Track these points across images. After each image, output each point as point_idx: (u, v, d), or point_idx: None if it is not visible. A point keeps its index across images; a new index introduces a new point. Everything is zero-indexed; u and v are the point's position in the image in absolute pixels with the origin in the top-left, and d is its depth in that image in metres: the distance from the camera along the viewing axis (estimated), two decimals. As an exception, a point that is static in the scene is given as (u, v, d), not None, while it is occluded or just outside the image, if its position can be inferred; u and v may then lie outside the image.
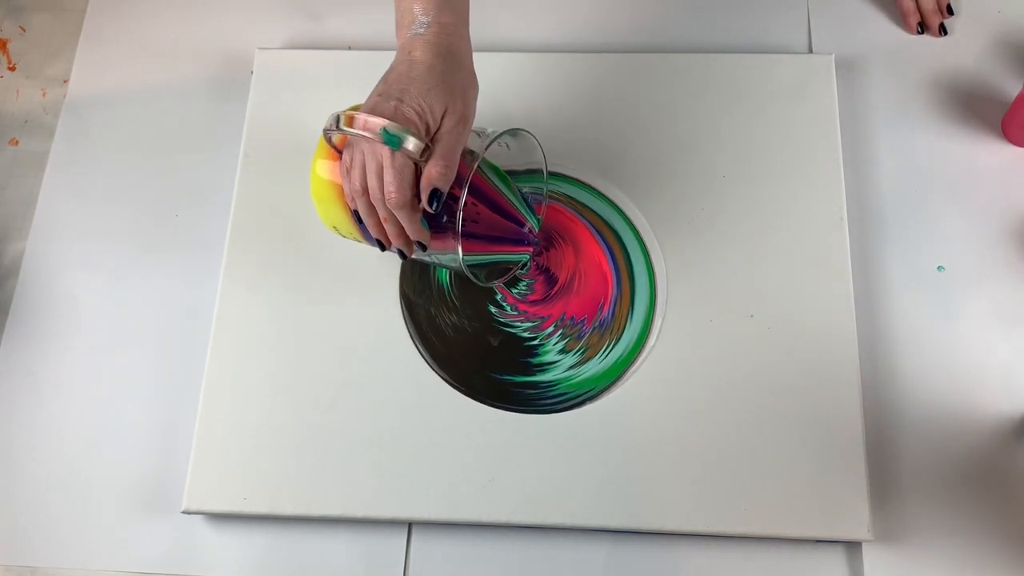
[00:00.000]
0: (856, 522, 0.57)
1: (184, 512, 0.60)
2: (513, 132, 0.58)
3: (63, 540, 0.61)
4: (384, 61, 0.70)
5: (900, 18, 0.73)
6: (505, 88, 0.70)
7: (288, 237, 0.66)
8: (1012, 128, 0.67)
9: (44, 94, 0.75)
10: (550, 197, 0.67)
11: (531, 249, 0.64)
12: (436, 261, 0.59)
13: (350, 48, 0.74)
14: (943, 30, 0.72)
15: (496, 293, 0.65)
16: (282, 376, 0.62)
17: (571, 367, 0.62)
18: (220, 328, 0.64)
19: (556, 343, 0.63)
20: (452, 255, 0.56)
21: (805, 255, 0.64)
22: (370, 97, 0.53)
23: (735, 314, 0.62)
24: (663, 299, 0.64)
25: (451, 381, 0.62)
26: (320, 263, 0.65)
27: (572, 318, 0.64)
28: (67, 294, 0.68)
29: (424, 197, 0.52)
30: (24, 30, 0.78)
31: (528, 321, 0.64)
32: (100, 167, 0.71)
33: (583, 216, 0.67)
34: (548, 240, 0.66)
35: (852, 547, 0.58)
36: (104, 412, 0.64)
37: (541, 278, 0.65)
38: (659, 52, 0.71)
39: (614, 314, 0.64)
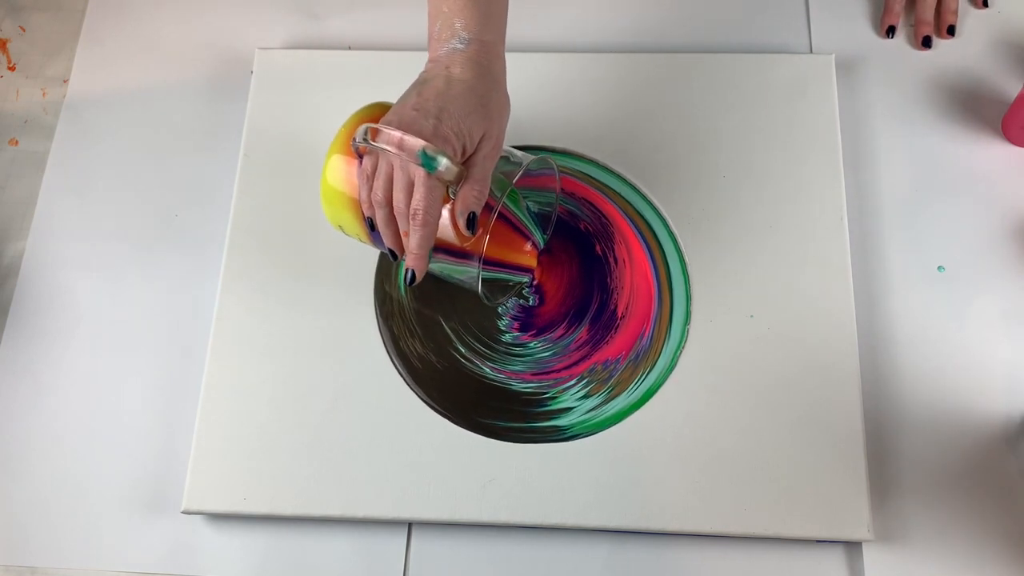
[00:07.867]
0: (856, 522, 0.57)
1: (184, 512, 0.60)
2: (539, 161, 0.56)
3: (63, 540, 0.61)
4: (384, 61, 0.71)
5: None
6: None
7: (288, 237, 0.66)
8: (1012, 128, 0.67)
9: (44, 94, 0.75)
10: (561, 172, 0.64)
11: (535, 269, 0.61)
12: (445, 273, 0.57)
13: (350, 48, 0.74)
14: (927, 44, 0.71)
15: (456, 341, 0.60)
16: (282, 376, 0.62)
17: (592, 409, 0.59)
18: (220, 328, 0.64)
19: (577, 392, 0.59)
20: (464, 268, 0.54)
21: (805, 255, 0.64)
22: (403, 106, 0.50)
23: (735, 314, 0.62)
24: (697, 308, 0.60)
25: (436, 408, 0.60)
26: (320, 262, 0.65)
27: (607, 361, 0.59)
28: (67, 294, 0.68)
29: (462, 222, 0.50)
30: (24, 30, 0.78)
31: (527, 383, 0.59)
32: (100, 167, 0.71)
33: (616, 203, 0.63)
34: (607, 236, 0.61)
35: (852, 547, 0.58)
36: (104, 412, 0.64)
37: (589, 348, 0.59)
38: (659, 52, 0.71)
39: (652, 339, 0.59)
